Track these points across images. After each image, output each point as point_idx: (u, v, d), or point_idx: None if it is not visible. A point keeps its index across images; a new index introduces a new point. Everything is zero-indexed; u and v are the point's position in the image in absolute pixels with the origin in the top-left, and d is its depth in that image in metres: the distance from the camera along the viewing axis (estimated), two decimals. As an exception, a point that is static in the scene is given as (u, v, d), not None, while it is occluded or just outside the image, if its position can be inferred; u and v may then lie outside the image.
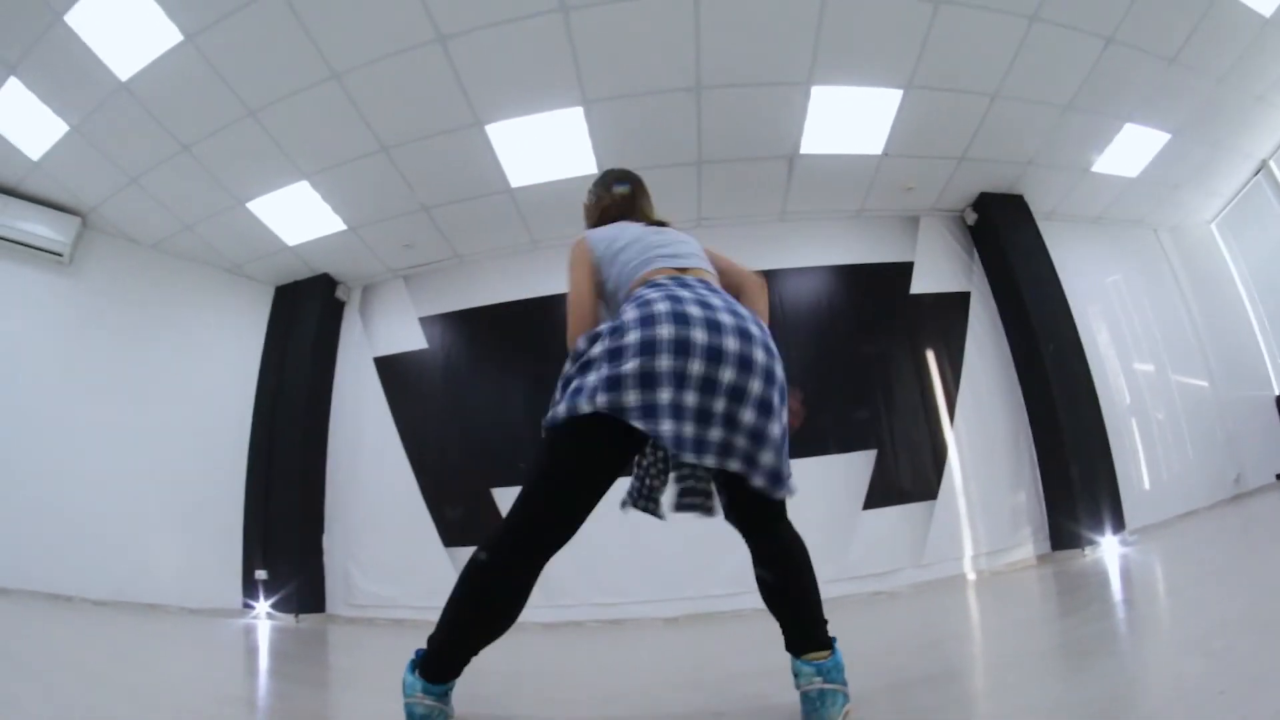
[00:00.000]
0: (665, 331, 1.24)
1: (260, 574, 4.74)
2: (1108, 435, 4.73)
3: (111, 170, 4.22)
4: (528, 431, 4.84)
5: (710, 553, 4.38)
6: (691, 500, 1.52)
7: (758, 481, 1.28)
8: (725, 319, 1.29)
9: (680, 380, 1.22)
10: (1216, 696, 1.05)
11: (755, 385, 1.27)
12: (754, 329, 1.32)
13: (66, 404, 4.35)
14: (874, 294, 5.13)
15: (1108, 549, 4.25)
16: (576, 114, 4.00)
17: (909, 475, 4.71)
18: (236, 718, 1.72)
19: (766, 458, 1.28)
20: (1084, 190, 5.37)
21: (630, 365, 1.21)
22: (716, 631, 3.68)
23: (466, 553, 4.64)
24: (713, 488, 1.50)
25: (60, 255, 4.46)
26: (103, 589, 4.11)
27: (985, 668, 1.97)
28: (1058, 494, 4.59)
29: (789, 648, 1.37)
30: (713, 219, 5.15)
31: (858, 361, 4.99)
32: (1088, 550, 4.29)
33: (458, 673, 1.32)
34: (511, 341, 5.20)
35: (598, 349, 1.29)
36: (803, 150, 4.53)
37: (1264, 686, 1.02)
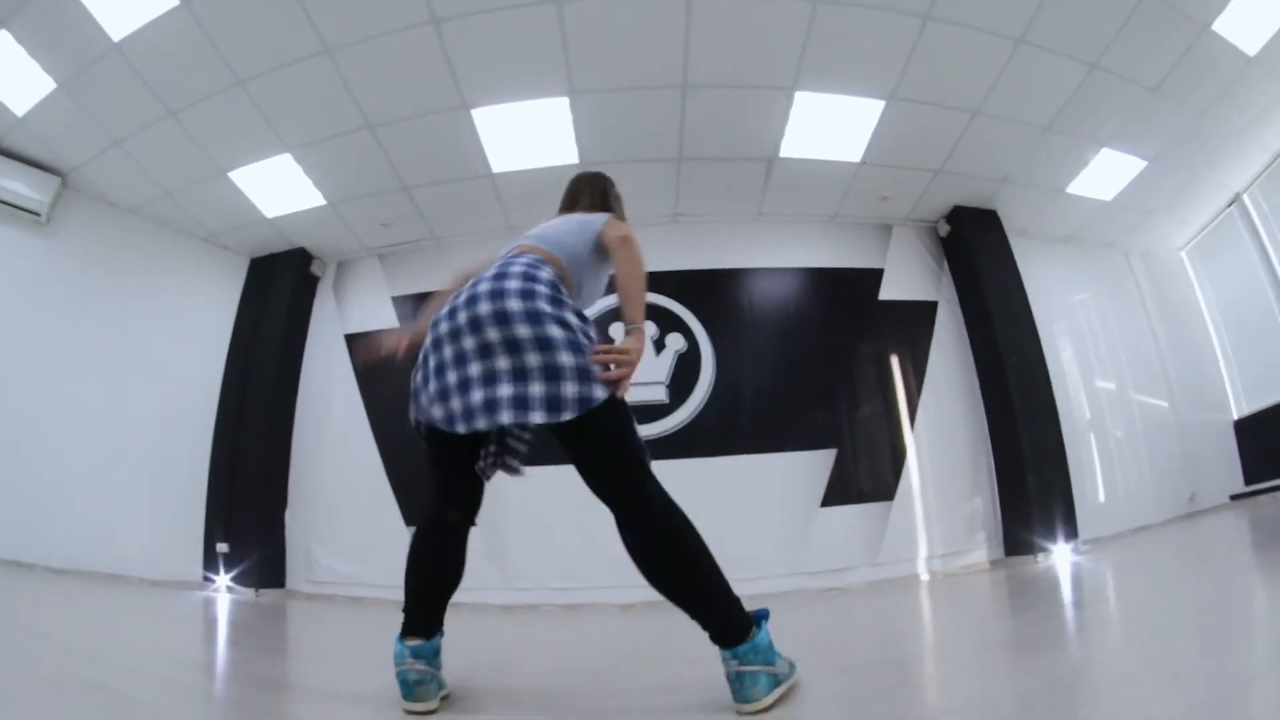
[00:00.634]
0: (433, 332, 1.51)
1: (221, 547, 4.86)
2: (1065, 448, 5.03)
3: (96, 131, 4.33)
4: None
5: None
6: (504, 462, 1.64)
7: (535, 418, 1.32)
8: (460, 300, 1.45)
9: (425, 377, 1.49)
10: (1149, 688, 1.21)
11: (468, 342, 1.40)
12: (480, 286, 1.43)
13: (32, 367, 4.39)
14: (843, 298, 5.43)
15: (1059, 556, 4.52)
16: (562, 104, 4.23)
17: (868, 476, 4.98)
18: (192, 679, 1.84)
19: (503, 390, 1.34)
20: (1057, 210, 5.69)
21: (418, 375, 1.54)
22: (670, 618, 3.86)
23: None
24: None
25: (38, 215, 4.53)
26: (63, 557, 4.14)
27: (935, 657, 2.13)
28: (1013, 502, 4.89)
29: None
30: (689, 216, 5.40)
31: (823, 362, 5.26)
32: (1040, 557, 4.56)
33: (435, 627, 1.50)
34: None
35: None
36: (782, 154, 4.80)
37: (1192, 682, 1.19)
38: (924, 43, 3.91)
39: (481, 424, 1.34)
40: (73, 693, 1.42)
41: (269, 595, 4.83)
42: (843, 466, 4.92)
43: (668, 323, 5.25)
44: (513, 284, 1.41)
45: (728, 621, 1.36)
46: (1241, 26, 3.99)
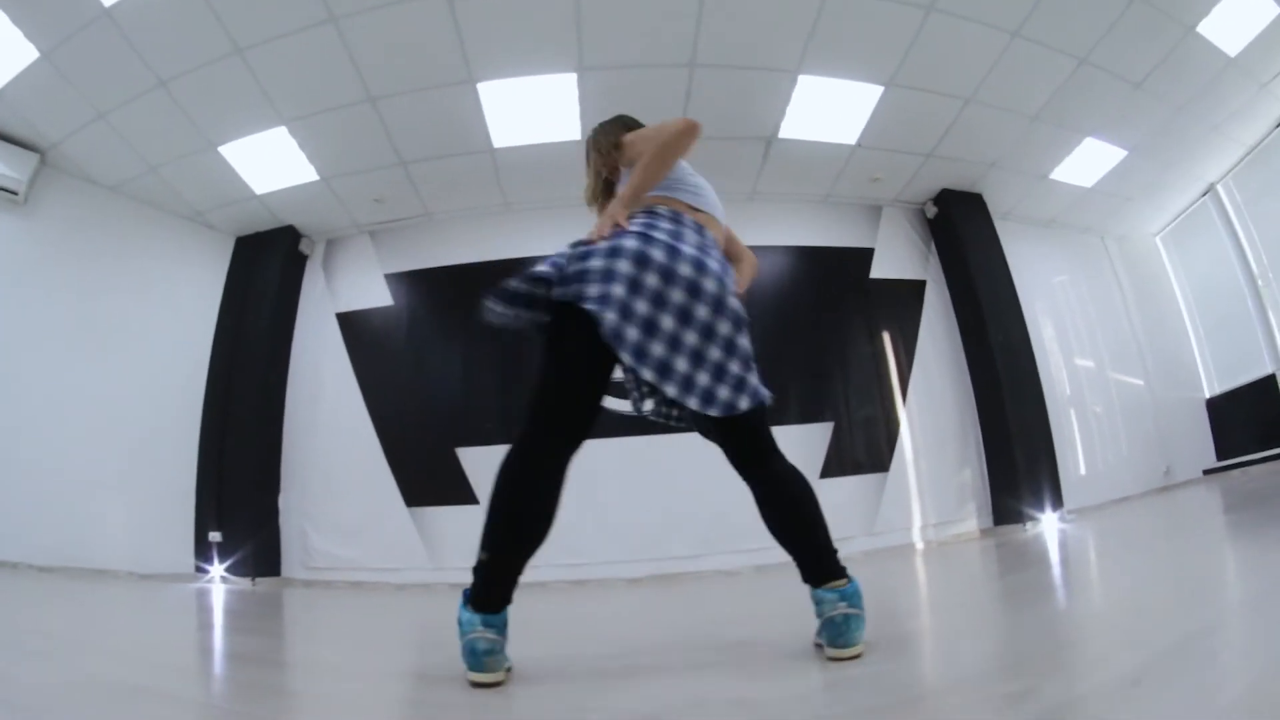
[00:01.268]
0: (629, 243, 1.45)
1: (214, 536, 4.85)
2: (1050, 422, 5.40)
3: (79, 104, 4.28)
4: (494, 391, 5.21)
5: (673, 516, 4.83)
6: (663, 410, 1.70)
7: (691, 402, 1.44)
8: (686, 248, 1.48)
9: (635, 287, 1.41)
10: (1129, 634, 1.43)
11: (701, 310, 1.45)
12: (711, 261, 1.50)
13: (8, 353, 4.37)
14: (835, 276, 5.74)
15: (1047, 525, 4.89)
16: (570, 80, 4.38)
17: (863, 448, 5.30)
18: (194, 667, 1.87)
19: (702, 379, 1.45)
20: (1040, 195, 6.08)
21: (595, 263, 1.44)
22: (679, 590, 4.07)
23: (430, 513, 5.14)
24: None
25: (15, 194, 4.48)
26: (48, 554, 4.12)
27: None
28: (1001, 473, 5.27)
29: (806, 579, 1.49)
30: (685, 193, 5.60)
31: (819, 338, 5.57)
32: (1028, 525, 4.92)
33: (509, 597, 1.41)
34: (479, 302, 5.49)
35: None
36: (781, 134, 5.05)
37: (1167, 625, 1.42)
38: (926, 32, 4.18)
39: (628, 357, 1.41)
40: (107, 697, 1.36)
41: (265, 584, 4.87)
42: (840, 439, 5.22)
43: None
44: (728, 280, 1.52)
45: (837, 562, 1.49)
46: (1224, 29, 4.39)
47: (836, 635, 1.39)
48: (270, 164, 4.93)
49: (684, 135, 1.58)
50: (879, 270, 5.77)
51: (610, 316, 1.37)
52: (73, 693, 1.37)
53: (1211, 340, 6.58)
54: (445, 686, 1.43)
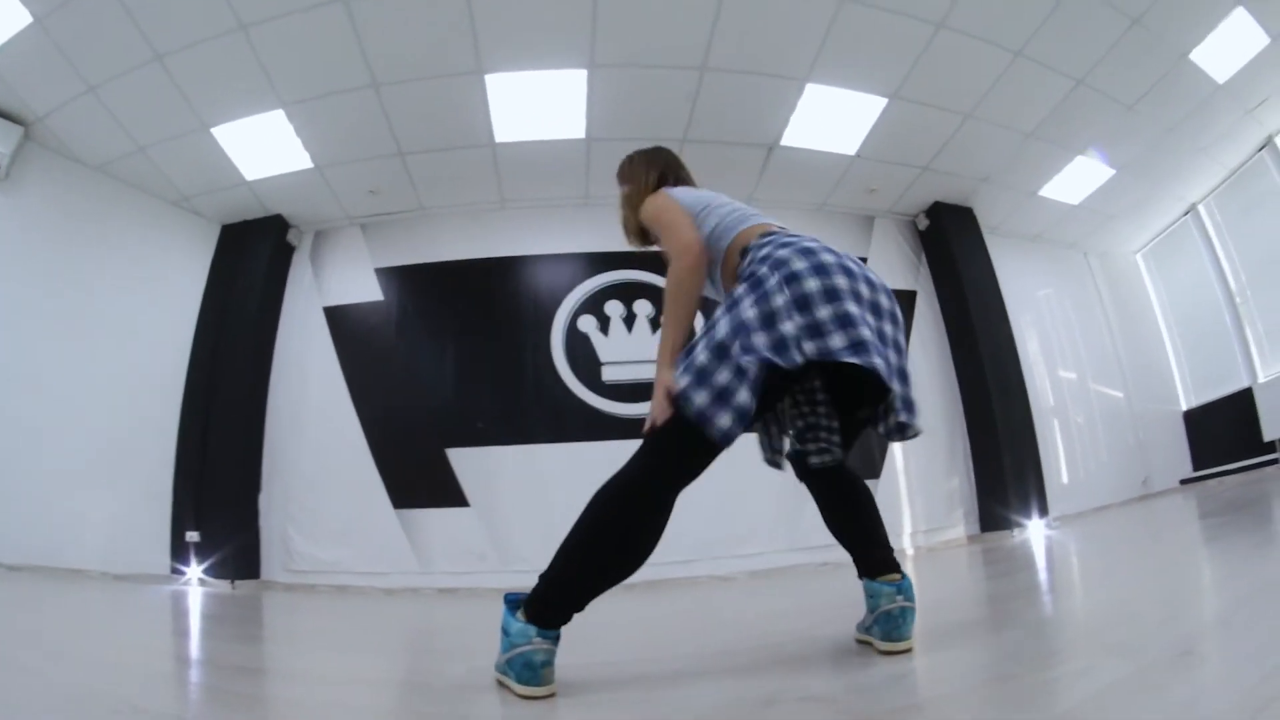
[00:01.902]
0: (833, 279, 1.40)
1: (192, 535, 4.80)
2: (1035, 432, 5.67)
3: (70, 75, 4.22)
4: (485, 391, 5.26)
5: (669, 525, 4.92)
6: (822, 447, 1.75)
7: (903, 417, 1.48)
8: (852, 266, 1.47)
9: (851, 319, 1.37)
10: (1116, 630, 1.56)
11: (888, 328, 1.46)
12: (874, 278, 1.51)
13: None
14: (829, 284, 5.89)
15: (1034, 531, 5.15)
16: (580, 76, 4.50)
17: (855, 454, 5.35)
18: (170, 671, 1.86)
19: (908, 392, 1.49)
20: (1028, 210, 6.42)
21: (825, 311, 1.35)
22: (677, 595, 4.16)
23: (418, 515, 5.19)
24: (831, 439, 1.74)
25: None
26: (17, 552, 4.01)
27: (929, 611, 2.39)
28: (988, 481, 5.53)
29: (863, 573, 1.58)
30: (683, 195, 5.76)
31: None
32: (1015, 532, 5.17)
33: (569, 618, 1.38)
34: (472, 300, 5.61)
35: (779, 300, 1.36)
36: (783, 142, 5.24)
37: (1148, 626, 1.55)
38: (934, 47, 4.41)
39: (897, 385, 1.42)
40: (69, 706, 1.30)
41: (245, 587, 4.82)
42: (834, 445, 5.37)
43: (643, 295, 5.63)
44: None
45: (894, 557, 1.59)
46: (1215, 57, 4.73)
47: (892, 628, 1.46)
48: (264, 149, 4.93)
49: (692, 272, 1.53)
50: (872, 279, 5.99)
51: (879, 362, 1.33)
52: (32, 700, 1.33)
53: (1189, 354, 6.99)
54: (445, 695, 1.46)
